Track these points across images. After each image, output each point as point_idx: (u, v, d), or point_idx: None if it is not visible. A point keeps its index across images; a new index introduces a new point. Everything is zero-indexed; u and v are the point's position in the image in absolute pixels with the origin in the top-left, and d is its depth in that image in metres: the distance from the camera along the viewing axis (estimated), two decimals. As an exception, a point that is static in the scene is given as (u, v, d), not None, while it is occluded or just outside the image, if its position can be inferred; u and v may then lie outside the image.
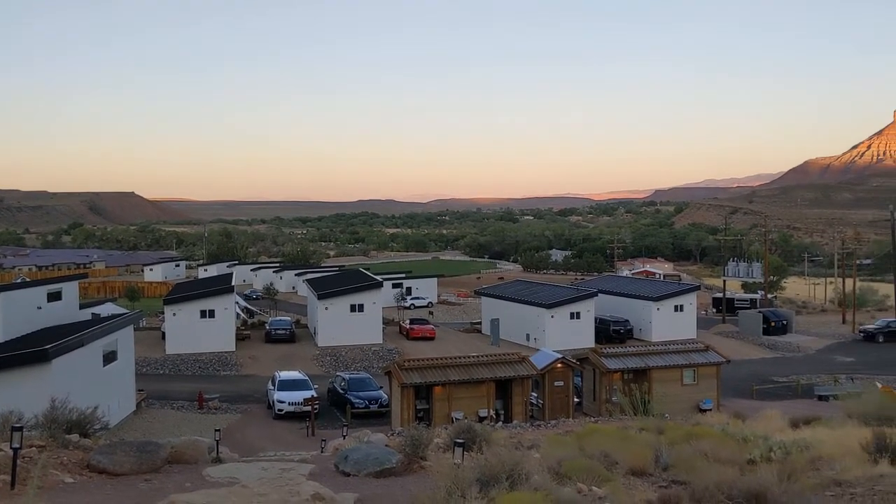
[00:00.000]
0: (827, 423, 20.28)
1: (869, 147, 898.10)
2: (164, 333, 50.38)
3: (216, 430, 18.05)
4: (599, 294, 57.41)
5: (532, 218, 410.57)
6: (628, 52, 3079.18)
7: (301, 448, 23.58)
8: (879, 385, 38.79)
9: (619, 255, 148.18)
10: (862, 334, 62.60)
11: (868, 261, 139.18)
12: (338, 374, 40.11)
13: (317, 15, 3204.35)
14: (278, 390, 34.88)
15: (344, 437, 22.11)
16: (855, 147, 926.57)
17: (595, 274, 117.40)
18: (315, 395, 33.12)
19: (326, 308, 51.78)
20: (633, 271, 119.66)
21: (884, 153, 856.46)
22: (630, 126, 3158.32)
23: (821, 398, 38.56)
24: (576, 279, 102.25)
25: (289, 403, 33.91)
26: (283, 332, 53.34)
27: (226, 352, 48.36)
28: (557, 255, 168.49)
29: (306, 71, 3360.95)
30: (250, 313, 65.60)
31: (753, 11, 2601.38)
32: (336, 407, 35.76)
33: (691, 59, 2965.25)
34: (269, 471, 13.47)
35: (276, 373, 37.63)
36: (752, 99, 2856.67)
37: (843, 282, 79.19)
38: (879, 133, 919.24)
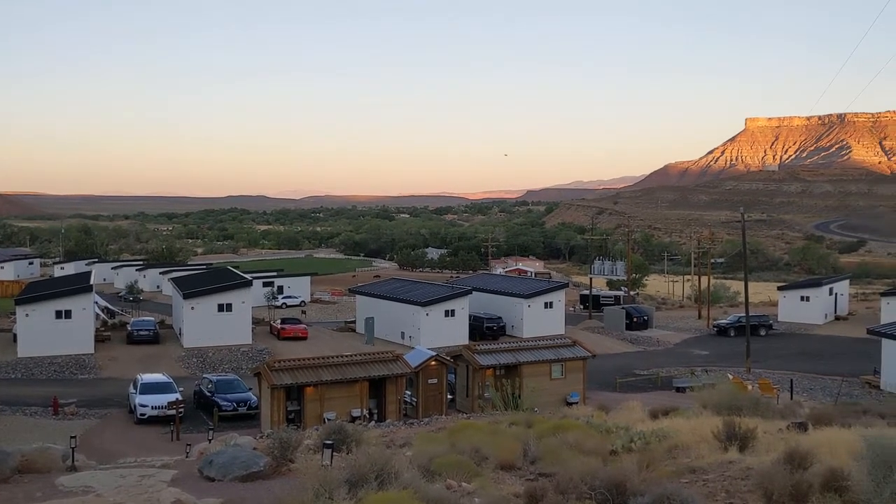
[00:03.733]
0: (683, 414, 21.38)
1: (723, 152, 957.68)
2: (15, 335, 47.34)
3: (72, 437, 17.19)
4: (474, 292, 58.20)
5: (408, 216, 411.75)
6: (499, 55, 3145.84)
7: (164, 453, 22.65)
8: (731, 376, 41.38)
9: (493, 253, 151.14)
10: (715, 329, 66.38)
11: (721, 259, 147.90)
12: (204, 375, 38.86)
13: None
14: (140, 394, 33.40)
15: (210, 440, 21.40)
16: (710, 152, 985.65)
17: (470, 272, 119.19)
18: (180, 398, 31.91)
19: (192, 308, 50.03)
20: (506, 269, 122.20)
21: (736, 158, 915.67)
22: (503, 128, 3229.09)
23: (678, 390, 40.61)
24: (451, 277, 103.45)
25: (152, 407, 32.55)
26: (147, 332, 51.21)
27: (84, 354, 45.91)
28: (433, 253, 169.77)
29: (171, 61, 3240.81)
30: (111, 313, 62.56)
31: (618, 26, 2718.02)
32: (202, 410, 34.62)
33: (559, 67, 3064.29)
34: (128, 478, 12.91)
35: (139, 375, 36.01)
36: (618, 105, 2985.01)
37: (699, 279, 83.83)
38: (732, 140, 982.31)
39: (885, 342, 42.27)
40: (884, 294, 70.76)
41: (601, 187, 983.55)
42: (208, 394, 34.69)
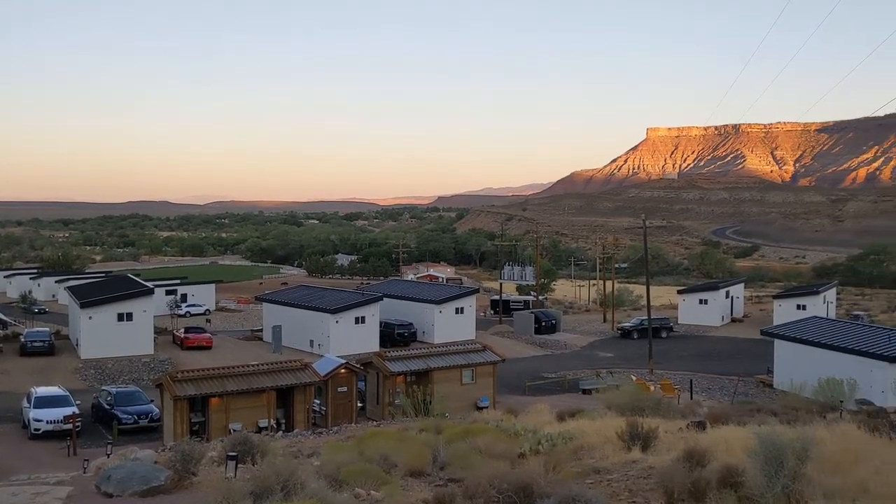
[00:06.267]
0: (589, 415, 21.84)
1: (626, 161, 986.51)
2: None
3: (-43, 456, 16.17)
4: (384, 298, 57.96)
5: (317, 222, 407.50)
6: (409, 62, 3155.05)
7: (60, 469, 21.60)
8: (634, 378, 42.62)
9: (405, 259, 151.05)
10: (619, 331, 68.32)
11: (625, 264, 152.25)
12: (103, 388, 37.33)
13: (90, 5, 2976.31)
14: (34, 408, 31.81)
15: (108, 455, 20.55)
16: (614, 161, 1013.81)
17: (381, 278, 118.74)
18: (77, 412, 30.57)
19: (90, 317, 48.03)
20: (417, 275, 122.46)
21: (638, 167, 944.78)
22: (414, 134, 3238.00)
23: (584, 392, 41.53)
24: (361, 284, 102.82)
25: (46, 422, 31.04)
26: (41, 343, 48.82)
27: (-28, 368, 43.47)
28: (343, 259, 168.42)
29: (66, 60, 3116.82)
30: (2, 324, 59.43)
31: (525, 36, 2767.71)
32: (101, 423, 33.25)
33: (468, 76, 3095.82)
34: (20, 496, 12.34)
35: (33, 388, 34.28)
36: (526, 113, 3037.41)
37: (604, 283, 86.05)
38: (634, 149, 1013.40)
39: (778, 343, 44.41)
40: (776, 297, 74.52)
41: (510, 194, 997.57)
42: (107, 406, 33.34)
